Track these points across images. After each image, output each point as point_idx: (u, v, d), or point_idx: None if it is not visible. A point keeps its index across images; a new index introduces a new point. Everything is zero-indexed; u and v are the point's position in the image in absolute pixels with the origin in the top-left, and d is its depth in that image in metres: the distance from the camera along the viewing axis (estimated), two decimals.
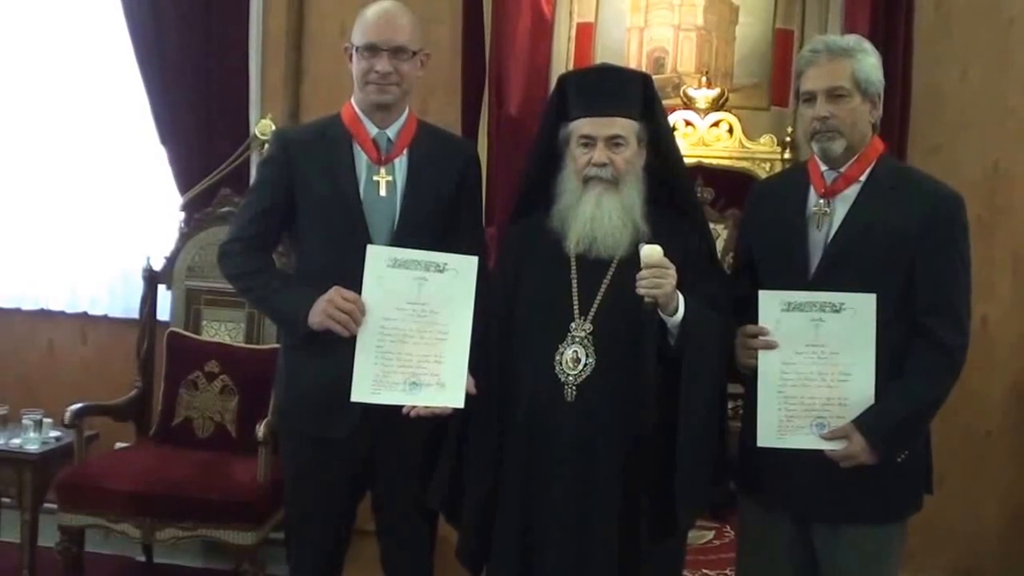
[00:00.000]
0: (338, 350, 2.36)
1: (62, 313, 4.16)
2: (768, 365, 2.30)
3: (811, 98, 2.34)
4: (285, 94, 3.91)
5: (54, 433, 3.65)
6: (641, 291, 2.23)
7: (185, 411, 3.58)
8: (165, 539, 3.29)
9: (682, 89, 3.79)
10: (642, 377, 2.33)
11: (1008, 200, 3.64)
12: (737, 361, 2.37)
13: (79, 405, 3.48)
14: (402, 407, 2.35)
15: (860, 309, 2.24)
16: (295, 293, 2.49)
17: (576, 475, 2.33)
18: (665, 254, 2.24)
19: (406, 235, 2.48)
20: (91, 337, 4.17)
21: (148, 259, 3.81)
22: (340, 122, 2.57)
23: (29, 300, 4.18)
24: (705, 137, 3.71)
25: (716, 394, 2.39)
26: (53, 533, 3.38)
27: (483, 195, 2.89)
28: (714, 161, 3.70)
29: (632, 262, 2.29)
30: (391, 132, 2.55)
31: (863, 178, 2.35)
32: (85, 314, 4.15)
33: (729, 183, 3.67)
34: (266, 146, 3.34)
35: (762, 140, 3.71)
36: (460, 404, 2.34)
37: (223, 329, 3.74)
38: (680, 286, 2.27)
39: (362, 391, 2.33)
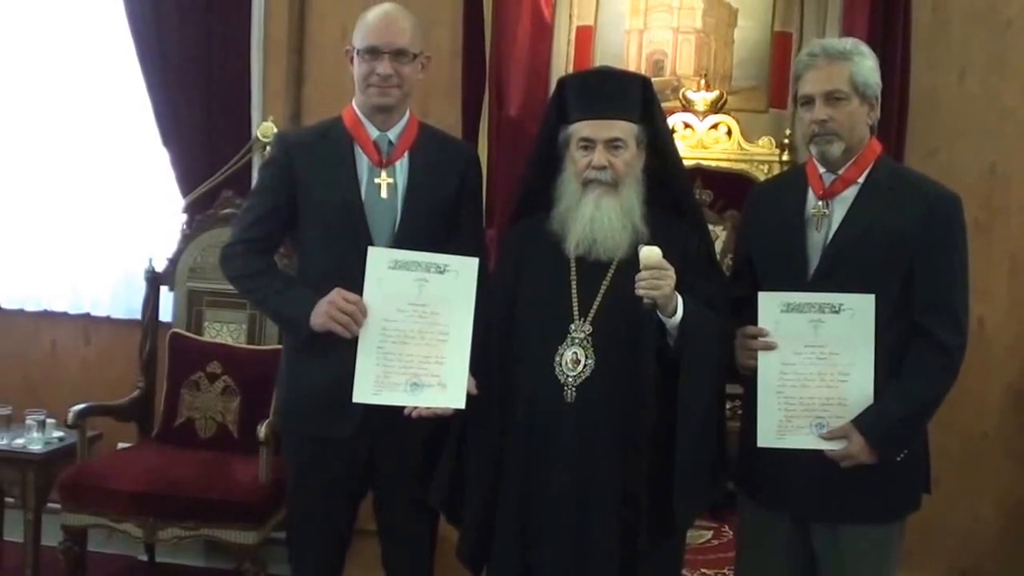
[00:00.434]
0: (340, 351, 2.38)
1: (65, 314, 4.18)
2: (767, 366, 2.31)
3: (809, 101, 2.35)
4: (287, 97, 3.92)
5: (57, 433, 3.67)
6: (640, 292, 2.24)
7: (187, 411, 3.59)
8: (167, 539, 3.30)
9: (681, 92, 3.80)
10: (641, 378, 2.33)
11: (1005, 202, 3.65)
12: (737, 362, 2.38)
13: (82, 406, 3.49)
14: (403, 408, 2.36)
15: (859, 310, 2.26)
16: (297, 295, 2.50)
17: (575, 475, 2.34)
18: (664, 256, 2.25)
19: (407, 237, 2.50)
20: (94, 338, 4.18)
21: (150, 261, 3.82)
22: (341, 125, 2.59)
23: (32, 301, 4.19)
24: (704, 139, 3.71)
25: (715, 395, 2.40)
26: (56, 533, 3.38)
27: (483, 197, 2.90)
28: (713, 163, 3.71)
29: (631, 264, 2.30)
30: (392, 134, 2.57)
31: (861, 180, 2.36)
32: (88, 315, 4.16)
33: (728, 185, 3.69)
34: (268, 149, 3.35)
35: (760, 142, 3.72)
36: (461, 405, 2.35)
37: (225, 330, 3.76)
38: (679, 287, 2.28)
39: (364, 392, 2.35)
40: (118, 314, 4.13)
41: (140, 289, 3.86)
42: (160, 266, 3.82)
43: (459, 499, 2.49)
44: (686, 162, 3.00)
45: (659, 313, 2.28)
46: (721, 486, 2.53)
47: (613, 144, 2.35)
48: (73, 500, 3.30)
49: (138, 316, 3.87)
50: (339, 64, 2.85)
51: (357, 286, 2.37)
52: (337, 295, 2.37)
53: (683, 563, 2.59)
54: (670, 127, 2.90)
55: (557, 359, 2.36)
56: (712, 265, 2.55)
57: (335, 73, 3.65)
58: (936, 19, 3.64)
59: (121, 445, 3.81)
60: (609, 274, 2.39)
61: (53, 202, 4.17)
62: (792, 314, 2.29)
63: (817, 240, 2.37)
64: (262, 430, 3.27)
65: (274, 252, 2.70)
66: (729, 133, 3.72)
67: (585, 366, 2.34)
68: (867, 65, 2.35)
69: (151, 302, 3.83)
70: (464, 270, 2.37)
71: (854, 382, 2.28)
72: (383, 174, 2.54)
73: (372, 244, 2.44)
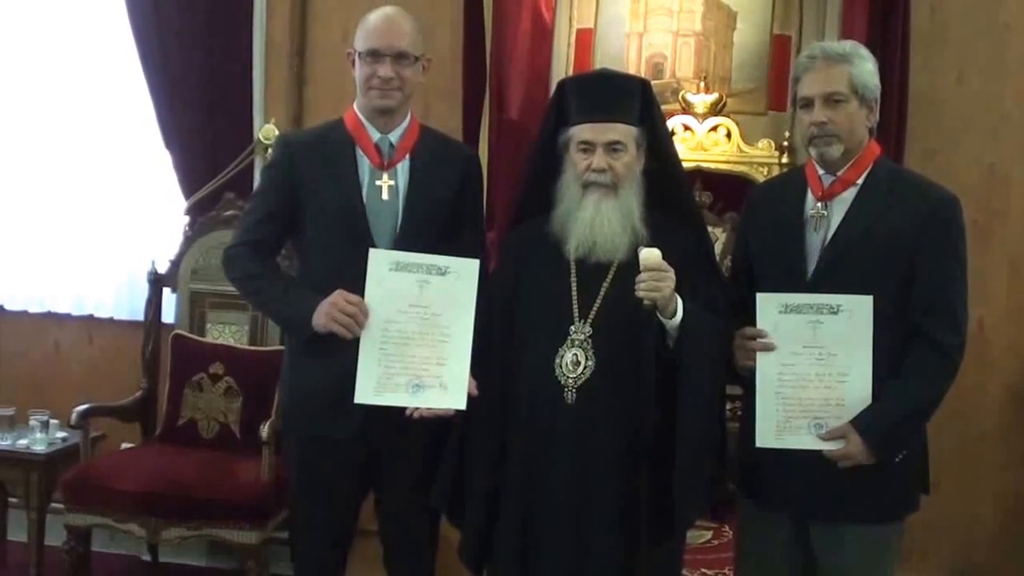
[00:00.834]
0: (342, 352, 2.39)
1: (68, 315, 4.19)
2: (766, 367, 2.32)
3: (809, 103, 2.35)
4: (288, 99, 3.93)
5: (60, 434, 3.68)
6: (640, 294, 2.25)
7: (190, 412, 3.61)
8: (170, 538, 3.31)
9: (680, 94, 3.81)
10: (641, 379, 2.34)
11: (1004, 204, 3.65)
12: (736, 363, 2.38)
13: (85, 406, 3.50)
14: (405, 408, 2.38)
15: (857, 311, 2.26)
16: (299, 296, 2.51)
17: (576, 476, 2.35)
18: (664, 257, 2.26)
19: (408, 239, 2.51)
20: (97, 339, 4.19)
21: (153, 262, 3.84)
22: (343, 127, 2.60)
23: (36, 303, 4.21)
24: (703, 141, 3.72)
25: (715, 396, 2.41)
26: (60, 533, 3.40)
27: (484, 199, 2.91)
28: (712, 165, 3.72)
29: (631, 266, 2.30)
30: (393, 137, 2.58)
31: (860, 181, 2.37)
32: (91, 316, 4.18)
33: (727, 187, 3.69)
34: (270, 151, 3.36)
35: (760, 144, 3.73)
36: (462, 405, 2.36)
37: (227, 331, 3.77)
38: (679, 289, 2.29)
39: (365, 393, 2.36)
40: (121, 315, 4.15)
41: (143, 291, 3.87)
42: (163, 268, 3.84)
43: (461, 500, 2.49)
44: (686, 164, 3.01)
45: (659, 315, 2.29)
46: (721, 486, 2.54)
47: (613, 147, 2.36)
48: (76, 500, 3.32)
49: (141, 317, 3.88)
50: (340, 67, 2.86)
51: (358, 287, 2.38)
52: (339, 296, 2.38)
53: (683, 563, 2.59)
54: (670, 129, 2.92)
55: (557, 361, 2.37)
56: (712, 267, 2.56)
57: (336, 76, 3.67)
58: (935, 22, 3.65)
59: (124, 445, 3.83)
60: (609, 276, 2.40)
61: (56, 204, 4.19)
62: (791, 315, 2.30)
63: (816, 241, 2.37)
64: (264, 430, 3.28)
65: (276, 254, 2.71)
66: (728, 135, 3.73)
67: (585, 368, 2.35)
68: (866, 68, 2.35)
69: (154, 303, 3.84)
70: (465, 272, 2.38)
71: (852, 383, 2.28)
72: (384, 176, 2.55)
73: (373, 246, 2.45)
